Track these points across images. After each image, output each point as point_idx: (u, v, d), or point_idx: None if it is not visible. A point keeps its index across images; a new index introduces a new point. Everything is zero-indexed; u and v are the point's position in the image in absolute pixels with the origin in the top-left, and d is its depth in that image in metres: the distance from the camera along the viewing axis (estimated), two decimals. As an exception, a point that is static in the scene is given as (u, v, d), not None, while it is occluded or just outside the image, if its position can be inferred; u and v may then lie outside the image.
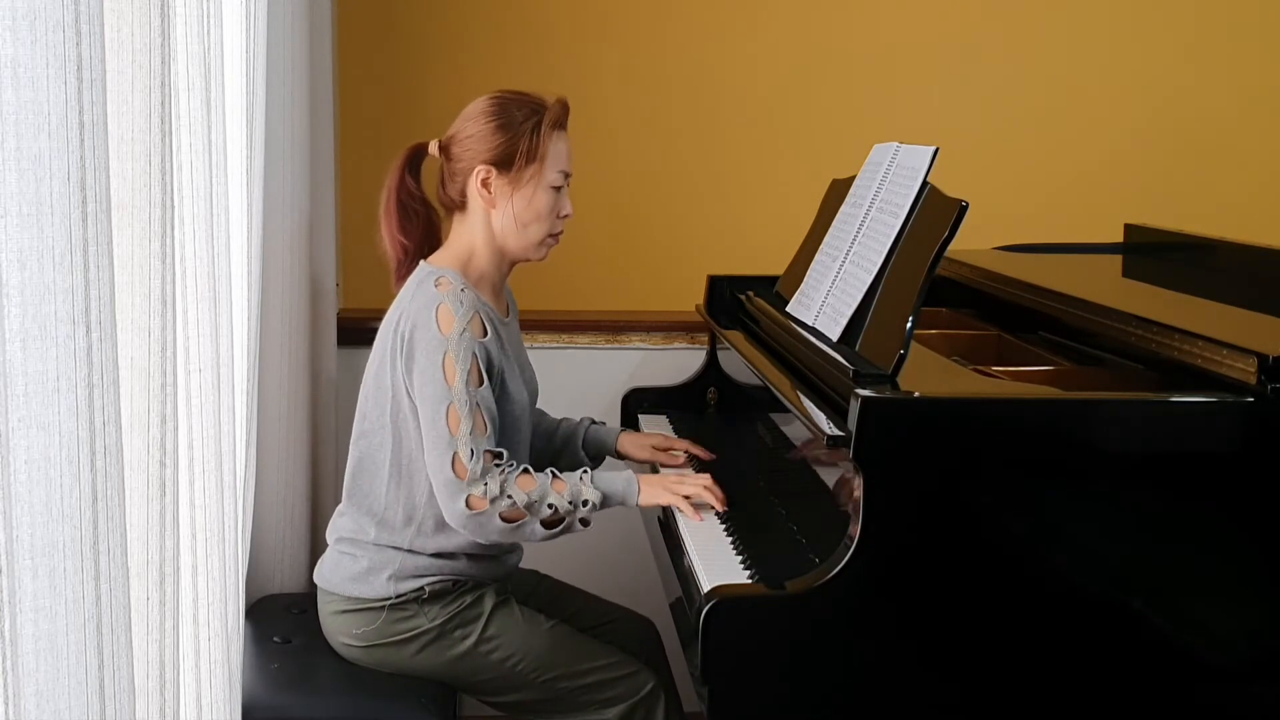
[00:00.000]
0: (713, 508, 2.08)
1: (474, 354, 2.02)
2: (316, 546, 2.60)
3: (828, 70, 3.38)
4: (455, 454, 1.99)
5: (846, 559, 1.67)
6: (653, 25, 3.35)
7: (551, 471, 2.06)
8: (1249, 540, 1.73)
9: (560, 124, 2.14)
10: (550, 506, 2.01)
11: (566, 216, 2.17)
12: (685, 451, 2.38)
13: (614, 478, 2.09)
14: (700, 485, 2.10)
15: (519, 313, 2.34)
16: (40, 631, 1.08)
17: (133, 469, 1.34)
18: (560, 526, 2.04)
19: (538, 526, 2.02)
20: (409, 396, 2.06)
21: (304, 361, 2.64)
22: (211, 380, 1.63)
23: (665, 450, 2.39)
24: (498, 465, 2.02)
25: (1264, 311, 2.05)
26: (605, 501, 2.06)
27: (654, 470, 2.35)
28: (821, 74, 3.37)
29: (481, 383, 2.02)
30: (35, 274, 1.04)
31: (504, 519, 2.00)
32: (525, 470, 2.05)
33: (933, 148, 1.99)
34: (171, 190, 1.38)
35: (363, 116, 3.24)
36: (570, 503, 2.02)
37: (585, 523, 2.05)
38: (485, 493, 1.99)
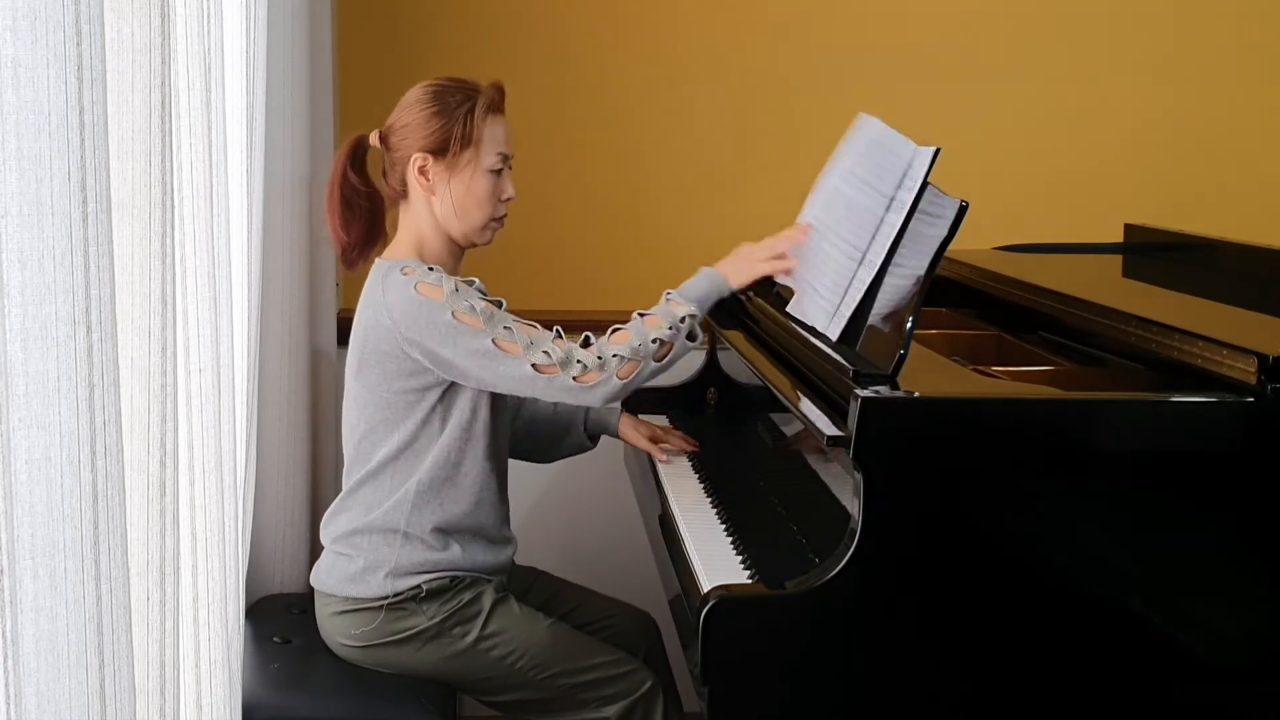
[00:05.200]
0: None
1: (473, 299, 2.03)
2: (316, 547, 2.60)
3: (829, 70, 3.37)
4: (534, 365, 2.00)
5: (846, 559, 1.67)
6: (654, 24, 3.35)
7: (638, 313, 2.08)
8: (1249, 540, 1.73)
9: (495, 107, 2.15)
10: (655, 341, 2.04)
11: (509, 199, 2.18)
12: (679, 449, 2.44)
13: (696, 283, 2.12)
14: (784, 244, 2.11)
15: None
16: (41, 632, 1.08)
17: (133, 469, 1.34)
18: (672, 353, 2.07)
19: (653, 364, 2.04)
20: (429, 369, 2.05)
21: (304, 362, 2.64)
22: (211, 380, 1.63)
23: (660, 442, 2.44)
24: (575, 342, 2.04)
25: (1264, 311, 2.05)
26: (702, 306, 2.09)
27: (649, 459, 2.41)
28: (822, 73, 3.37)
29: (500, 306, 2.05)
30: (35, 274, 1.04)
31: (620, 377, 2.02)
32: (615, 329, 2.06)
33: (933, 148, 1.99)
34: (171, 190, 1.38)
35: (363, 116, 3.24)
36: (670, 328, 2.04)
37: (692, 338, 2.07)
38: (586, 368, 2.00)
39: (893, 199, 2.06)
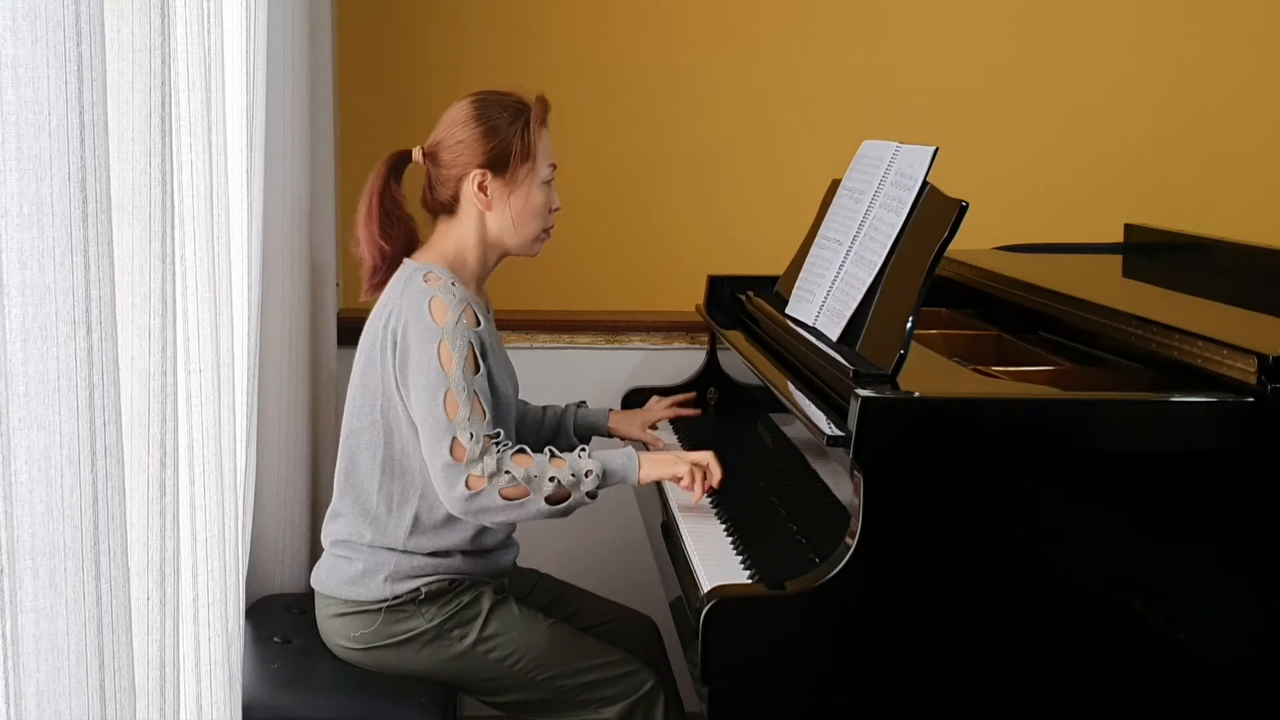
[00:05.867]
0: (710, 486, 2.08)
1: (469, 342, 2.03)
2: (316, 547, 2.59)
3: (828, 70, 3.37)
4: (454, 438, 1.99)
5: (846, 559, 1.67)
6: (653, 25, 3.35)
7: (550, 450, 2.05)
8: (1249, 540, 1.73)
9: (544, 120, 2.17)
10: (552, 480, 2.00)
11: (556, 209, 2.20)
12: (672, 411, 2.56)
13: (613, 454, 2.08)
14: (693, 460, 2.09)
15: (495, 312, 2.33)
16: (41, 632, 1.08)
17: (133, 469, 1.34)
18: (566, 501, 2.02)
19: (542, 503, 2.00)
20: (399, 394, 2.06)
21: (304, 361, 2.64)
22: (211, 380, 1.62)
23: (654, 427, 2.51)
24: (496, 444, 2.01)
25: (1264, 311, 2.05)
26: (606, 475, 2.04)
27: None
28: (822, 73, 3.37)
29: (478, 370, 2.03)
30: (35, 274, 1.04)
31: (504, 497, 1.99)
32: (521, 449, 2.03)
33: (932, 147, 1.99)
34: (171, 190, 1.38)
35: (363, 116, 3.24)
36: (572, 475, 2.01)
37: (592, 496, 2.04)
38: (483, 470, 1.98)
39: (875, 194, 2.08)
